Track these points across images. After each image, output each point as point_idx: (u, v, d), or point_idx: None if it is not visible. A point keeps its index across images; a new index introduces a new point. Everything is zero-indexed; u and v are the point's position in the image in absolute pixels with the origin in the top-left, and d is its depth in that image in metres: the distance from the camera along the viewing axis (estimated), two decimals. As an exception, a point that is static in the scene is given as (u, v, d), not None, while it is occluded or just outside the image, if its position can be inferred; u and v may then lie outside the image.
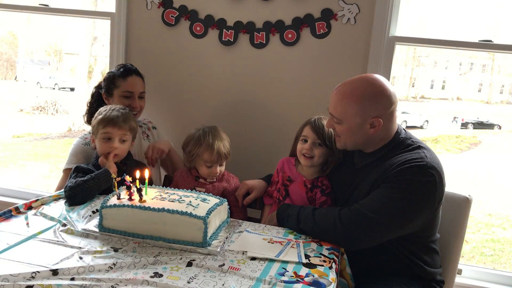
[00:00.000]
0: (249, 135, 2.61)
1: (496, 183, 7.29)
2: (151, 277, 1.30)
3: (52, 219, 1.64)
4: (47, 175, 6.82)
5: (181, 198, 1.62)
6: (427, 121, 10.74)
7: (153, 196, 1.62)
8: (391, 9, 2.32)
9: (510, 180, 7.42)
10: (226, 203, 1.71)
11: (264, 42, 2.50)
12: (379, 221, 1.62)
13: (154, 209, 1.50)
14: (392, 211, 1.62)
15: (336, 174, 1.96)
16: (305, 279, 1.35)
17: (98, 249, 1.45)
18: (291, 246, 1.57)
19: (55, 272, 1.27)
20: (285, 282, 1.32)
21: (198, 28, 2.58)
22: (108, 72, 2.34)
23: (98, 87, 2.37)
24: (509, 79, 11.98)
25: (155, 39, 2.67)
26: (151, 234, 1.52)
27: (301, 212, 1.75)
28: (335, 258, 1.53)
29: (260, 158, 2.55)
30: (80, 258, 1.38)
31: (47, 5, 2.84)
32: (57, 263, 1.33)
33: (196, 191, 1.75)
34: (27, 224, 1.60)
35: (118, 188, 1.66)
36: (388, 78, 2.39)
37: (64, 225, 1.58)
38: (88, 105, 2.38)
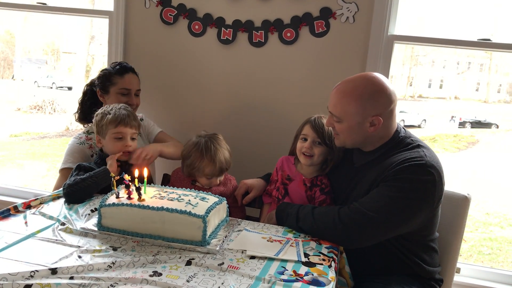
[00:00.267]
0: (247, 134, 2.61)
1: (494, 182, 7.30)
2: (150, 276, 1.29)
3: (51, 218, 1.64)
4: (45, 174, 6.81)
5: (180, 197, 1.61)
6: (424, 120, 10.75)
7: (152, 195, 1.62)
8: (390, 8, 2.33)
9: (508, 179, 7.44)
10: (225, 202, 1.71)
11: (263, 40, 2.50)
12: (379, 220, 1.62)
13: (153, 208, 1.50)
14: (392, 209, 1.62)
15: (335, 173, 1.96)
16: (304, 277, 1.35)
17: (97, 248, 1.44)
18: (290, 245, 1.57)
19: (54, 271, 1.27)
20: (284, 280, 1.32)
21: (196, 27, 2.58)
22: (103, 70, 2.34)
23: (91, 85, 2.37)
24: (506, 78, 11.99)
25: (154, 38, 2.67)
26: (150, 233, 1.52)
27: (300, 210, 1.75)
28: (334, 256, 1.54)
29: (258, 156, 2.55)
30: (79, 257, 1.38)
31: (45, 4, 2.83)
32: (56, 262, 1.33)
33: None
34: (26, 223, 1.59)
35: (117, 187, 1.65)
36: (387, 77, 2.39)
37: (63, 224, 1.58)
38: (80, 103, 2.38)
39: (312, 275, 1.38)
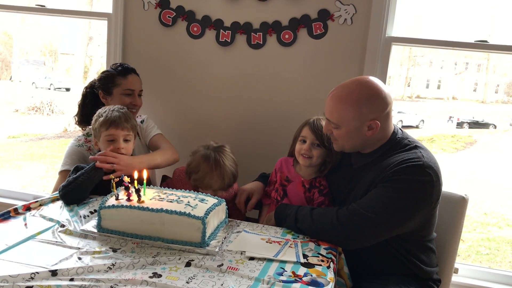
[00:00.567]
0: (246, 136, 2.62)
1: (492, 182, 7.32)
2: (150, 277, 1.30)
3: (50, 220, 1.64)
4: (43, 175, 6.80)
5: (179, 198, 1.62)
6: (422, 120, 10.77)
7: (151, 197, 1.63)
8: (388, 10, 2.33)
9: (505, 179, 7.45)
10: (224, 203, 1.71)
11: (261, 42, 2.51)
12: (377, 221, 1.63)
13: (152, 210, 1.51)
14: (390, 210, 1.63)
15: (333, 174, 1.97)
16: (303, 278, 1.36)
17: (97, 249, 1.45)
18: (289, 246, 1.58)
19: (54, 273, 1.28)
20: (283, 281, 1.33)
21: (195, 29, 2.58)
22: (104, 72, 2.34)
23: (91, 87, 2.36)
24: (504, 78, 12.02)
25: (152, 40, 2.67)
26: (150, 234, 1.52)
27: (299, 211, 1.76)
28: (333, 257, 1.54)
29: (257, 157, 2.55)
30: (79, 258, 1.38)
31: (44, 6, 2.83)
32: (56, 264, 1.33)
33: None
34: (26, 225, 1.60)
35: (116, 189, 1.66)
36: (385, 78, 2.40)
37: (63, 225, 1.59)
38: (81, 106, 2.38)
39: (311, 276, 1.38)
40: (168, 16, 2.60)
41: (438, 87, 12.39)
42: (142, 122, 2.43)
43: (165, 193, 1.69)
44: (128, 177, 1.63)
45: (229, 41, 2.54)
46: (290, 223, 1.76)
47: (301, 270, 1.41)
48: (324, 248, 1.60)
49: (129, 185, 1.60)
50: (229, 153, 2.01)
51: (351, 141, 1.78)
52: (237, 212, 2.08)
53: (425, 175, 1.63)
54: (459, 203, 1.93)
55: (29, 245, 1.46)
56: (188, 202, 1.59)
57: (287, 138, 2.09)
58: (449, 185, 1.92)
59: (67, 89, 11.50)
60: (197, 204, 1.58)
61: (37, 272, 1.27)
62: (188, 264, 1.40)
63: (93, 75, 10.33)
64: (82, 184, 1.82)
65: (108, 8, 2.71)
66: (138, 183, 1.61)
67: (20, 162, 7.31)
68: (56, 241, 1.49)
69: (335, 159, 1.95)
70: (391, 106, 1.76)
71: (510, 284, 2.44)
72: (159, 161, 2.17)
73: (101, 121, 1.96)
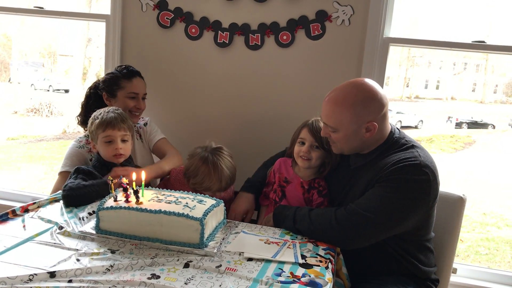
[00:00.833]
0: (244, 136, 2.62)
1: (491, 183, 7.32)
2: (148, 278, 1.30)
3: (49, 221, 1.64)
4: (42, 177, 6.80)
5: (177, 199, 1.62)
6: (421, 121, 10.79)
7: (149, 198, 1.63)
8: (385, 11, 2.34)
9: (504, 179, 7.46)
10: (223, 204, 1.71)
11: (259, 43, 2.51)
12: (375, 220, 1.63)
13: (150, 211, 1.51)
14: (387, 210, 1.63)
15: (332, 175, 1.97)
16: (301, 279, 1.36)
17: (95, 251, 1.45)
18: (288, 247, 1.58)
19: (52, 275, 1.28)
20: (281, 282, 1.33)
21: (193, 30, 2.59)
22: (108, 74, 2.32)
23: (95, 88, 2.34)
24: (502, 79, 12.04)
25: (150, 41, 2.68)
26: (148, 235, 1.53)
27: (298, 212, 1.76)
28: (331, 258, 1.55)
29: (255, 158, 2.55)
30: (78, 260, 1.38)
31: (42, 8, 2.84)
32: (55, 266, 1.33)
33: None
34: (24, 226, 1.60)
35: (114, 190, 1.66)
36: (383, 79, 2.40)
37: (61, 227, 1.59)
38: (84, 107, 2.36)
39: (309, 276, 1.39)
40: (166, 18, 2.61)
41: (437, 88, 12.41)
42: (145, 124, 2.43)
43: (164, 194, 1.69)
44: (126, 179, 1.63)
45: (227, 42, 2.55)
46: (289, 224, 1.76)
47: (300, 271, 1.41)
48: (322, 249, 1.61)
49: (128, 186, 1.60)
50: (227, 155, 2.01)
51: (350, 143, 1.78)
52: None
53: (422, 174, 1.64)
54: (457, 203, 1.94)
55: (27, 247, 1.45)
56: (187, 203, 1.59)
57: (286, 138, 2.10)
58: (448, 185, 1.93)
59: (66, 91, 11.50)
60: (195, 205, 1.58)
61: (35, 274, 1.26)
62: (186, 265, 1.40)
63: (92, 76, 10.33)
64: (89, 195, 1.81)
65: (106, 10, 2.71)
66: (136, 185, 1.61)
67: (19, 163, 7.30)
68: (55, 243, 1.49)
69: (334, 160, 1.95)
70: (387, 106, 1.76)
71: (509, 284, 2.44)
72: (167, 169, 2.20)
73: (97, 123, 1.96)
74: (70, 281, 1.26)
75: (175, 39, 2.63)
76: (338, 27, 2.41)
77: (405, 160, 1.67)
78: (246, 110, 2.61)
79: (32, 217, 1.68)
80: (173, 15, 2.59)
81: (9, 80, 11.72)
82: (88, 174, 1.91)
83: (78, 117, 2.37)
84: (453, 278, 2.34)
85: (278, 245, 1.59)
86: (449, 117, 10.91)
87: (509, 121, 10.90)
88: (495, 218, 6.07)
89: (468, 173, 7.74)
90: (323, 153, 1.92)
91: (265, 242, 1.61)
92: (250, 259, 1.47)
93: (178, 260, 1.42)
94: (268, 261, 1.46)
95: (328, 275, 1.41)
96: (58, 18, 2.90)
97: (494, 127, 10.55)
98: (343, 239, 1.67)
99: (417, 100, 12.22)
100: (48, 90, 11.43)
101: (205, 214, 1.52)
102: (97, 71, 10.14)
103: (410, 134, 1.86)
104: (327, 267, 1.46)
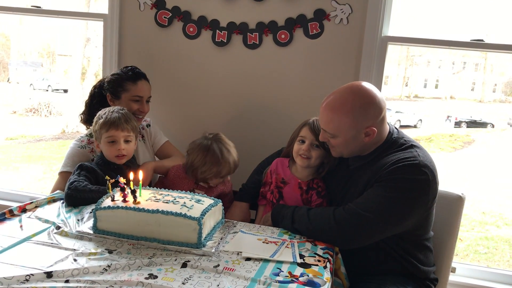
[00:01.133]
0: (242, 135, 2.61)
1: (490, 182, 7.33)
2: (146, 278, 1.30)
3: (46, 221, 1.64)
4: (41, 177, 6.79)
5: (175, 199, 1.62)
6: (420, 120, 10.79)
7: (147, 198, 1.62)
8: (384, 9, 2.33)
9: (503, 178, 7.46)
10: (221, 204, 1.71)
11: (257, 42, 2.50)
12: (373, 220, 1.62)
13: (148, 211, 1.50)
14: (386, 209, 1.63)
15: (330, 175, 1.96)
16: (300, 279, 1.36)
17: (93, 251, 1.44)
18: (286, 246, 1.58)
19: (49, 275, 1.27)
20: (280, 282, 1.33)
21: (191, 29, 2.58)
22: (114, 74, 2.28)
23: (100, 88, 2.31)
24: (501, 78, 12.05)
25: (148, 41, 2.67)
26: (146, 235, 1.52)
27: (296, 212, 1.76)
28: (330, 257, 1.54)
29: (253, 156, 2.54)
30: (75, 260, 1.38)
31: (40, 7, 2.83)
32: (52, 266, 1.33)
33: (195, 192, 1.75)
34: (21, 226, 1.59)
35: (112, 190, 1.65)
36: (381, 78, 2.40)
37: (58, 227, 1.58)
38: (87, 105, 2.33)
39: (308, 276, 1.38)
40: (164, 17, 2.60)
41: (436, 87, 12.42)
42: (147, 126, 2.42)
43: (161, 194, 1.68)
44: (123, 178, 1.62)
45: (225, 41, 2.54)
46: (287, 223, 1.75)
47: (298, 270, 1.41)
48: (320, 248, 1.60)
49: (125, 186, 1.60)
50: (226, 138, 2.09)
51: (349, 148, 1.78)
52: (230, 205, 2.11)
53: (421, 174, 1.63)
54: (456, 202, 1.93)
55: (24, 247, 1.45)
56: (184, 203, 1.58)
57: (284, 137, 2.09)
58: (447, 184, 1.92)
59: (65, 91, 11.48)
60: (193, 205, 1.57)
61: (32, 274, 1.26)
62: (184, 265, 1.40)
63: (91, 76, 10.32)
64: (92, 200, 1.78)
65: (104, 9, 2.70)
66: (133, 184, 1.61)
67: (17, 164, 7.30)
68: (52, 243, 1.48)
69: (333, 160, 1.93)
70: (385, 110, 1.75)
71: (508, 283, 2.44)
72: (168, 166, 2.21)
73: (101, 123, 1.95)
74: (67, 281, 1.26)
75: (173, 38, 2.63)
76: (337, 26, 2.40)
77: (404, 160, 1.66)
78: (244, 109, 2.61)
79: (29, 217, 1.68)
80: (171, 14, 2.59)
81: (8, 80, 11.71)
82: (91, 171, 1.92)
83: (82, 116, 2.35)
84: (452, 277, 2.34)
85: (276, 244, 1.58)
86: (448, 116, 10.92)
87: (508, 120, 10.91)
88: (494, 217, 6.08)
89: (467, 172, 7.74)
90: (323, 152, 1.91)
91: (263, 242, 1.60)
92: (248, 259, 1.46)
93: (175, 260, 1.42)
94: (266, 260, 1.46)
95: (327, 275, 1.41)
96: (56, 18, 2.89)
97: (493, 126, 10.56)
98: (342, 239, 1.66)
99: (416, 99, 12.23)
100: (47, 90, 11.43)
101: (203, 213, 1.51)
102: (96, 70, 10.13)
103: (409, 133, 1.85)
104: (325, 267, 1.46)
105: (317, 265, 1.46)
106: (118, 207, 1.53)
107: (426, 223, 1.76)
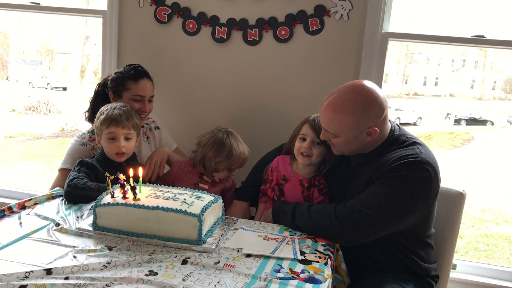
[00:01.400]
0: (241, 131, 2.58)
1: (489, 179, 7.33)
2: (146, 275, 1.29)
3: (45, 218, 1.63)
4: (40, 175, 6.79)
5: (175, 196, 1.61)
6: (420, 117, 10.80)
7: (147, 194, 1.61)
8: (384, 5, 2.32)
9: (503, 175, 7.47)
10: (221, 200, 1.70)
11: (257, 39, 2.50)
12: (375, 217, 1.62)
13: (148, 207, 1.50)
14: (387, 207, 1.62)
15: (331, 172, 1.94)
16: (300, 275, 1.35)
17: (92, 247, 1.44)
18: (286, 243, 1.57)
19: (49, 272, 1.27)
20: (280, 278, 1.32)
21: (190, 26, 2.57)
22: (116, 73, 2.26)
23: (103, 86, 2.29)
24: (501, 75, 12.05)
25: (148, 37, 2.66)
26: (146, 232, 1.51)
27: (297, 208, 1.75)
28: (330, 254, 1.53)
29: (251, 153, 2.54)
30: (74, 257, 1.37)
31: (38, 3, 2.82)
32: (51, 263, 1.32)
33: (198, 188, 1.75)
34: (20, 223, 1.59)
35: (112, 186, 1.65)
36: (382, 74, 2.39)
37: (58, 224, 1.57)
38: (92, 103, 2.31)
39: (308, 272, 1.38)
40: (164, 13, 2.59)
41: (436, 84, 12.43)
42: (156, 128, 2.42)
43: (161, 190, 1.67)
44: (123, 175, 1.61)
45: (225, 37, 2.53)
46: (288, 220, 1.75)
47: (298, 267, 1.40)
48: (321, 245, 1.60)
49: (125, 182, 1.59)
50: (237, 135, 2.12)
51: (350, 147, 1.77)
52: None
53: (423, 171, 1.62)
54: (457, 198, 1.93)
55: (23, 244, 1.44)
56: (184, 199, 1.58)
57: (284, 133, 2.09)
58: (447, 182, 1.91)
59: (64, 89, 11.47)
60: (193, 202, 1.57)
61: (32, 271, 1.25)
62: (184, 262, 1.39)
63: (90, 74, 10.31)
64: (91, 198, 1.78)
65: (103, 5, 2.69)
66: (133, 181, 1.60)
67: (17, 161, 7.29)
68: (51, 240, 1.48)
69: (334, 158, 1.91)
70: (387, 110, 1.74)
71: (507, 279, 2.44)
72: (176, 160, 2.22)
73: (102, 119, 1.94)
74: (66, 278, 1.25)
75: (172, 34, 2.61)
76: (337, 22, 2.39)
77: (407, 157, 1.65)
78: (244, 105, 2.60)
79: (28, 214, 1.67)
80: (170, 11, 2.57)
81: (7, 78, 11.70)
82: (91, 167, 1.91)
83: (86, 113, 2.33)
84: (452, 274, 2.33)
85: (277, 241, 1.58)
86: (447, 114, 10.93)
87: (508, 118, 10.92)
88: (494, 215, 6.08)
89: (467, 170, 7.74)
90: (324, 149, 1.90)
91: (263, 238, 1.60)
92: (248, 256, 1.46)
93: (176, 256, 1.41)
94: (267, 257, 1.45)
95: (327, 271, 1.40)
96: (54, 14, 2.88)
97: (492, 123, 10.57)
98: (343, 236, 1.66)
99: (415, 97, 12.23)
100: (46, 88, 11.41)
101: (203, 210, 1.51)
102: (95, 68, 10.12)
103: (408, 131, 1.84)
104: (326, 263, 1.45)
105: (318, 261, 1.46)
106: (118, 204, 1.52)
107: (427, 220, 1.76)
